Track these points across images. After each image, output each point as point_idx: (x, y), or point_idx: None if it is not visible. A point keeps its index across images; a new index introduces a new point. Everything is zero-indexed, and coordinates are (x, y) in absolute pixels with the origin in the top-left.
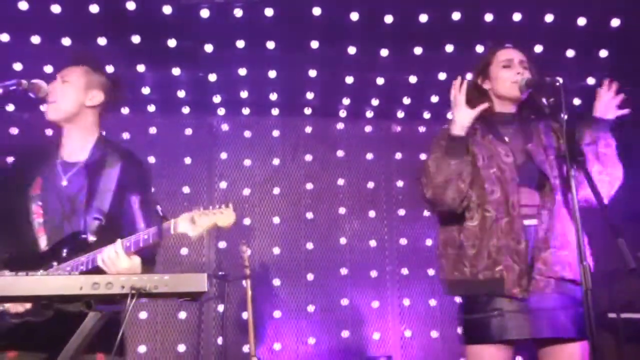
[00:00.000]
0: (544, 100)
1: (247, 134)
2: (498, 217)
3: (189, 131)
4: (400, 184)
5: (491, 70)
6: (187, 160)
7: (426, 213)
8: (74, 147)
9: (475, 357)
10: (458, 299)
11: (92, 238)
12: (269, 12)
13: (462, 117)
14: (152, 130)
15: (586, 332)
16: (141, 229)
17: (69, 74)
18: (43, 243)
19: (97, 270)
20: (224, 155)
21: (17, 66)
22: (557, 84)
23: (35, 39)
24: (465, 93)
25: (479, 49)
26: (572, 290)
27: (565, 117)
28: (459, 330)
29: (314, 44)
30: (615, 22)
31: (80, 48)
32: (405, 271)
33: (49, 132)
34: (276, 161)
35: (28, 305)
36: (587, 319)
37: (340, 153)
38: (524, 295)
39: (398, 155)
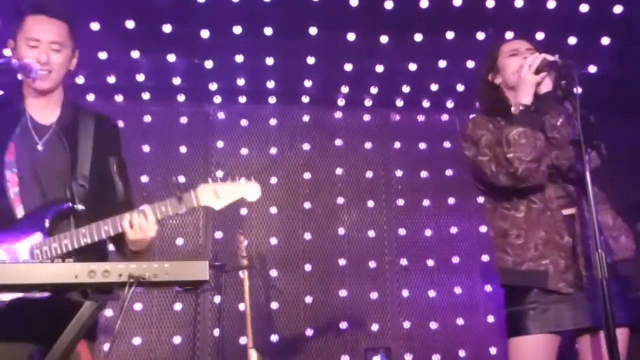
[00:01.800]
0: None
1: (244, 122)
2: (543, 209)
3: (184, 119)
4: (399, 173)
5: (499, 63)
6: (183, 149)
7: (425, 203)
8: (43, 107)
9: (515, 349)
10: (458, 290)
11: (80, 206)
12: None
13: (530, 83)
14: (147, 118)
15: (631, 317)
16: (120, 192)
17: (59, 39)
18: (20, 213)
19: (101, 243)
20: (220, 144)
21: (8, 52)
22: (570, 65)
23: None
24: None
25: (480, 36)
26: (620, 270)
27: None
28: (460, 320)
29: (313, 31)
30: (617, 9)
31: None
32: (404, 262)
33: None
34: (273, 150)
35: None
36: (603, 308)
37: (338, 142)
38: (569, 290)
39: (397, 145)
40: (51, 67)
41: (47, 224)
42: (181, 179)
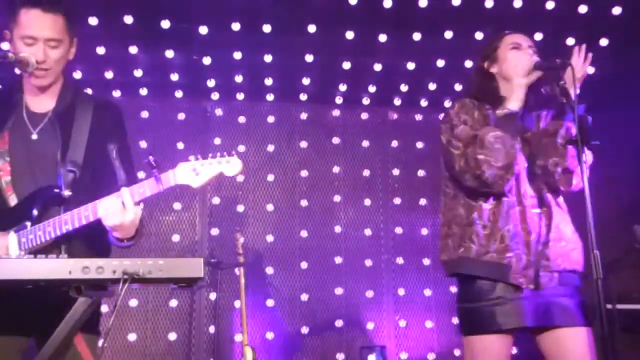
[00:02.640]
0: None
1: (242, 119)
2: (516, 203)
3: (182, 116)
4: (396, 172)
5: (499, 53)
6: (180, 146)
7: (422, 202)
8: (40, 96)
9: (475, 348)
10: (453, 289)
11: (67, 192)
12: None
13: (521, 86)
14: (144, 114)
15: (589, 320)
16: (122, 179)
17: (55, 35)
18: (13, 202)
19: (84, 228)
20: (217, 141)
21: (5, 45)
22: (569, 66)
23: None
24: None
25: (479, 35)
26: (573, 279)
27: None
28: (455, 320)
29: (311, 28)
30: (616, 10)
31: None
32: (400, 260)
33: None
34: (271, 147)
35: None
36: (597, 308)
37: (336, 140)
38: (529, 286)
39: (394, 143)
40: (49, 64)
41: (35, 212)
42: None
